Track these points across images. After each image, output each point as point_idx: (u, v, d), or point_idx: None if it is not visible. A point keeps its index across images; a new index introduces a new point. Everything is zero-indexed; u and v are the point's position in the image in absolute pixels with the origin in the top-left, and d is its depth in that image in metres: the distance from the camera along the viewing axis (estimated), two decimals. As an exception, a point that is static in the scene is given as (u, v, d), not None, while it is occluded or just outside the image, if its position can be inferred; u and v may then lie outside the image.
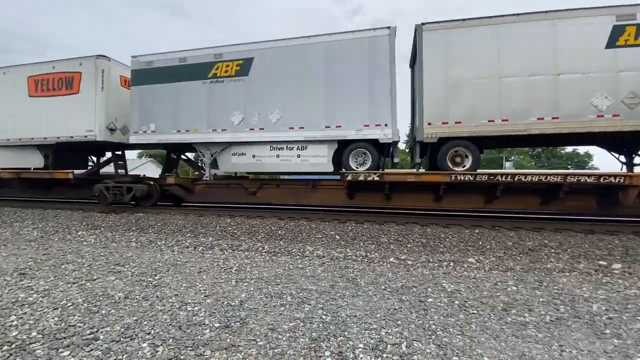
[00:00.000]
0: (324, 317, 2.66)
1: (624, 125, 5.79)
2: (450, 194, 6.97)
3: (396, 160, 7.34)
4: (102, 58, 8.83)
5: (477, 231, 5.93)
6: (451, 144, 6.64)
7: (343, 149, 7.23)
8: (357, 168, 7.13)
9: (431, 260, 4.83)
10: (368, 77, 6.92)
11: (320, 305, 2.92)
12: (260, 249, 5.53)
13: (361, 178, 6.89)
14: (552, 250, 5.01)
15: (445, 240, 5.67)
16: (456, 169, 6.65)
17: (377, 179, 6.85)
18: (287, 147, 7.48)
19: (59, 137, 8.95)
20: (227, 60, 7.74)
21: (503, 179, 6.26)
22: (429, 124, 6.60)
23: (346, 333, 2.36)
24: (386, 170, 7.46)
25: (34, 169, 9.66)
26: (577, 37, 6.00)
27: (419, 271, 4.31)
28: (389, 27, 6.89)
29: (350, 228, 6.48)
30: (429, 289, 3.49)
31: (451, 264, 4.63)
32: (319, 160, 7.35)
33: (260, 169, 7.84)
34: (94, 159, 10.76)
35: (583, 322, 2.64)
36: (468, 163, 6.65)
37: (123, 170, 10.38)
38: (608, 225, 6.19)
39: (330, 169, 7.34)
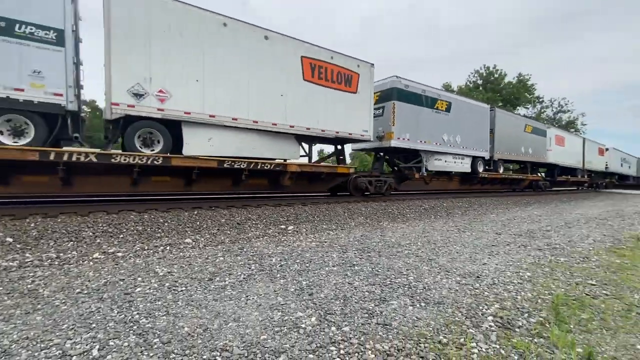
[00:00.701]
0: (-41, 359, 1.81)
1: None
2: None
3: (489, 168, 15.10)
4: (372, 66, 9.62)
5: (195, 212, 6.27)
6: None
7: (473, 161, 13.74)
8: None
9: (146, 248, 4.57)
10: (483, 127, 14.19)
11: (-46, 345, 1.97)
12: None
13: (485, 175, 14.51)
14: (254, 222, 6.25)
15: (164, 225, 5.56)
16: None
17: (486, 176, 14.70)
18: (460, 157, 13.10)
19: (338, 132, 8.90)
20: (442, 99, 12.14)
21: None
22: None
23: (4, 367, 1.74)
24: (486, 172, 14.80)
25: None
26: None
27: (130, 262, 3.95)
28: (489, 104, 15.19)
29: (33, 225, 4.84)
30: (139, 279, 3.29)
31: (168, 247, 4.62)
32: (467, 166, 13.55)
33: (447, 169, 12.79)
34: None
35: (265, 273, 3.51)
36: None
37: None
38: (288, 200, 8.55)
39: (469, 170, 13.78)
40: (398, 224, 7.50)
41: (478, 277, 3.52)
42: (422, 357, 1.95)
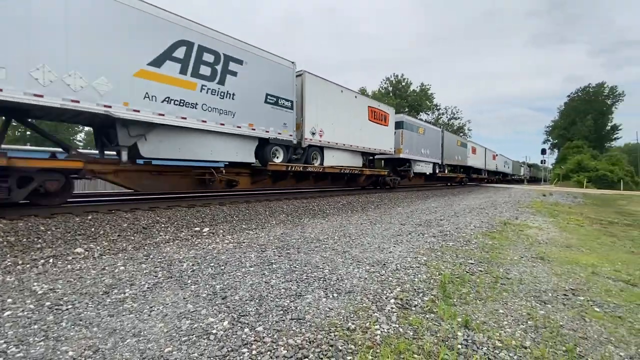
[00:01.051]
0: None
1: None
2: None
3: (440, 170, 21.91)
4: (394, 108, 16.44)
5: (90, 217, 5.43)
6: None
7: (433, 165, 20.46)
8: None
9: (21, 262, 3.78)
10: (438, 143, 20.87)
11: None
12: None
13: (439, 175, 22.08)
14: (163, 225, 5.71)
15: (47, 234, 4.68)
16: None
17: (440, 175, 22.09)
18: (428, 163, 19.62)
19: (380, 150, 14.60)
20: (421, 127, 18.72)
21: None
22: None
23: None
24: (440, 173, 22.17)
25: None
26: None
27: (-5, 282, 3.22)
28: (440, 128, 22.83)
29: None
30: (9, 300, 2.71)
31: (51, 260, 3.90)
32: (430, 169, 19.90)
33: (422, 171, 19.26)
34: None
35: (174, 280, 3.25)
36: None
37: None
38: (203, 200, 8.07)
39: (431, 172, 20.30)
40: (318, 219, 7.75)
41: (384, 264, 3.88)
42: (331, 346, 2.06)
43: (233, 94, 8.00)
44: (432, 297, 2.92)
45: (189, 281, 3.22)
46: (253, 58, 8.55)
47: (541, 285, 3.38)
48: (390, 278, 3.41)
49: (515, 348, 2.14)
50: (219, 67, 7.64)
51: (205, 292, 2.92)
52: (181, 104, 6.87)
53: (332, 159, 12.10)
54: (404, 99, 49.18)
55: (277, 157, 9.76)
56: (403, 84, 51.14)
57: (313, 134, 10.82)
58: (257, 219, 7.19)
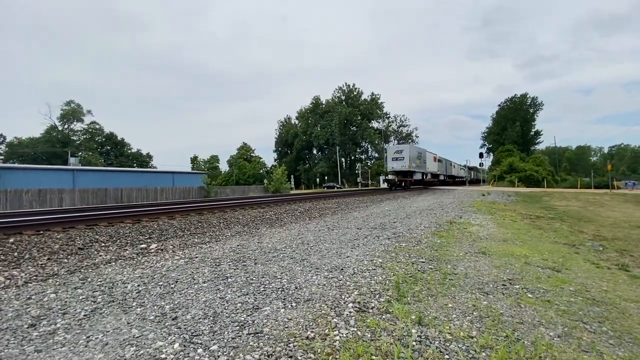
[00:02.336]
0: None
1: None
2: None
3: (450, 178, 47.14)
4: (436, 154, 36.89)
5: (11, 240, 4.76)
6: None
7: (442, 176, 42.66)
8: None
9: None
10: (444, 165, 41.91)
11: None
12: None
13: (447, 180, 47.20)
14: (103, 244, 5.20)
15: (-46, 263, 4.00)
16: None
17: (447, 179, 47.28)
18: (443, 175, 41.36)
19: (435, 172, 35.24)
20: (440, 158, 39.15)
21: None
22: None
23: None
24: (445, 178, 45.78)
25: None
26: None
27: None
28: (444, 158, 44.55)
29: None
30: None
31: (-41, 294, 3.33)
32: (443, 178, 42.26)
33: (441, 179, 41.17)
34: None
35: (116, 304, 2.96)
36: None
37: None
38: (151, 215, 7.53)
39: (443, 179, 44.04)
40: (276, 228, 7.63)
41: (342, 269, 3.93)
42: (290, 357, 2.02)
43: (422, 162, 30.33)
44: (387, 297, 3.02)
45: (134, 303, 2.95)
46: (423, 151, 31.70)
47: (483, 277, 3.67)
48: (348, 282, 3.46)
49: (463, 339, 2.29)
50: (421, 157, 30.36)
51: (153, 314, 2.70)
52: (419, 167, 29.60)
53: (428, 178, 31.16)
54: (356, 107, 50.97)
55: (424, 178, 30.77)
56: (355, 93, 53.06)
57: (427, 168, 30.31)
58: (210, 231, 6.87)
